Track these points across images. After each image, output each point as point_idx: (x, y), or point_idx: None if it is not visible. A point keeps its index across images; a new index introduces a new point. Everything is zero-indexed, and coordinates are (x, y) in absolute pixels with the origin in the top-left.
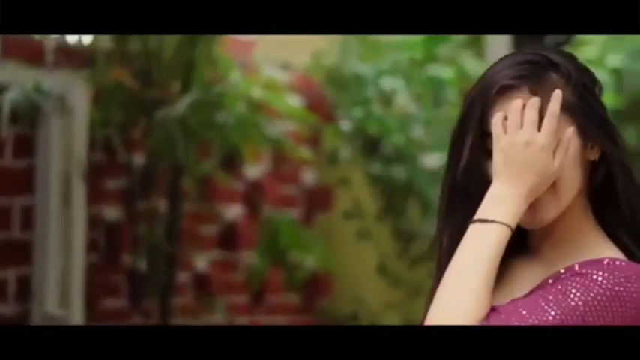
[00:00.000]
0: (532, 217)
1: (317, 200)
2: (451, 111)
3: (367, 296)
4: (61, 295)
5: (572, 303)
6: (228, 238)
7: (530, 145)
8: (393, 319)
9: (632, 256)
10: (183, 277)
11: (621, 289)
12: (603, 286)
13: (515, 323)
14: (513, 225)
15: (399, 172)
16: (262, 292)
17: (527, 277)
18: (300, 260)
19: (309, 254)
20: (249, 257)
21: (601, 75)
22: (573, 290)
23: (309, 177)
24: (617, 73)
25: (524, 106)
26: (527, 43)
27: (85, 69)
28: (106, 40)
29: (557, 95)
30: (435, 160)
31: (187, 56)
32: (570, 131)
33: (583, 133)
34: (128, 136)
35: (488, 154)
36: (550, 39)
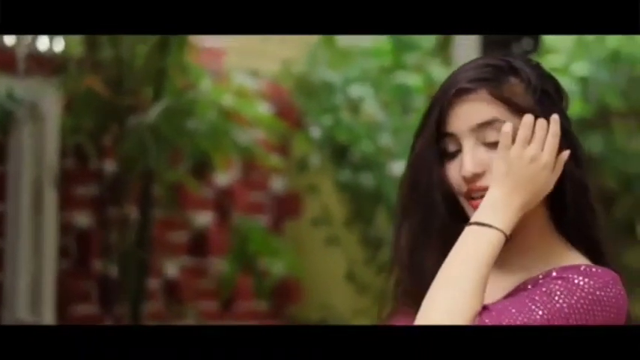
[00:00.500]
0: None
1: (286, 207)
2: (419, 118)
3: (336, 302)
4: (32, 302)
5: (557, 305)
6: (198, 245)
7: (535, 162)
8: (361, 325)
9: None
10: (153, 283)
11: (602, 293)
12: (585, 290)
13: (506, 321)
14: (508, 233)
15: (367, 180)
16: (232, 298)
17: (492, 281)
18: (269, 267)
19: (278, 261)
20: (218, 264)
21: (567, 83)
22: (558, 293)
23: (278, 184)
24: (583, 81)
25: (535, 121)
26: (496, 51)
27: (57, 76)
28: (78, 48)
29: (555, 119)
30: (401, 167)
31: (159, 64)
32: (566, 154)
33: None
34: (99, 143)
35: (442, 154)
36: (517, 47)
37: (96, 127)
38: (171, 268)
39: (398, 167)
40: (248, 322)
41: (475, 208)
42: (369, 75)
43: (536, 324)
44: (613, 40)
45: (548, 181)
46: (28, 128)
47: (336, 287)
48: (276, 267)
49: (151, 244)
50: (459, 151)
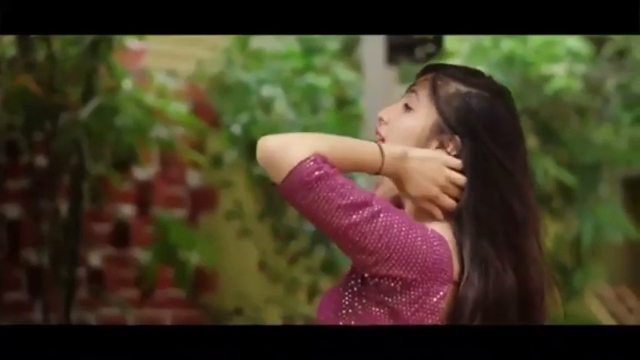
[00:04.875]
0: None
1: (202, 201)
2: (327, 117)
3: (250, 291)
4: None
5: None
6: (121, 236)
7: (436, 197)
8: (274, 312)
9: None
10: (78, 271)
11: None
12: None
13: None
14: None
15: None
16: (152, 287)
17: None
18: (187, 258)
19: (195, 252)
20: (139, 254)
21: None
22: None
23: (194, 179)
24: None
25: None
26: (401, 55)
27: None
28: (11, 48)
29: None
30: None
31: (90, 65)
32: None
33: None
34: (31, 139)
35: None
36: (420, 50)
37: (29, 123)
38: (95, 258)
39: None
40: (167, 310)
41: None
42: (280, 76)
43: None
44: (507, 44)
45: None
46: None
47: (250, 277)
48: (194, 258)
49: (80, 235)
50: None
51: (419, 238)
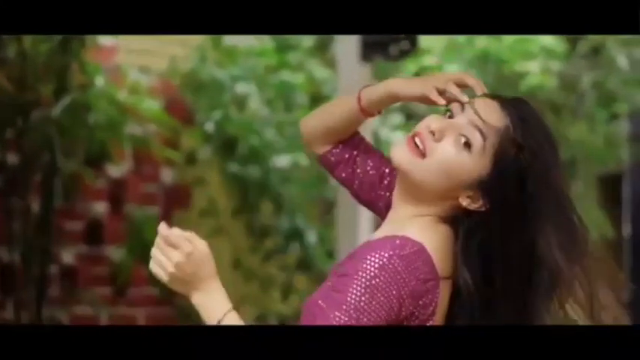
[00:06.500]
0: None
1: (176, 198)
2: (301, 114)
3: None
4: None
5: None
6: (94, 233)
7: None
8: (248, 311)
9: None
10: (50, 269)
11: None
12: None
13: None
14: None
15: (253, 172)
16: (125, 285)
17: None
18: None
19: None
20: (112, 252)
21: None
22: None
23: (168, 176)
24: None
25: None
26: (375, 52)
27: None
28: None
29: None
30: (285, 160)
31: (61, 61)
32: None
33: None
34: (3, 137)
35: None
36: (394, 48)
37: (0, 121)
38: (68, 256)
39: (280, 160)
40: (140, 308)
41: None
42: (254, 73)
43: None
44: (482, 42)
45: None
46: None
47: (223, 275)
48: None
49: (52, 233)
50: None
51: (394, 292)
